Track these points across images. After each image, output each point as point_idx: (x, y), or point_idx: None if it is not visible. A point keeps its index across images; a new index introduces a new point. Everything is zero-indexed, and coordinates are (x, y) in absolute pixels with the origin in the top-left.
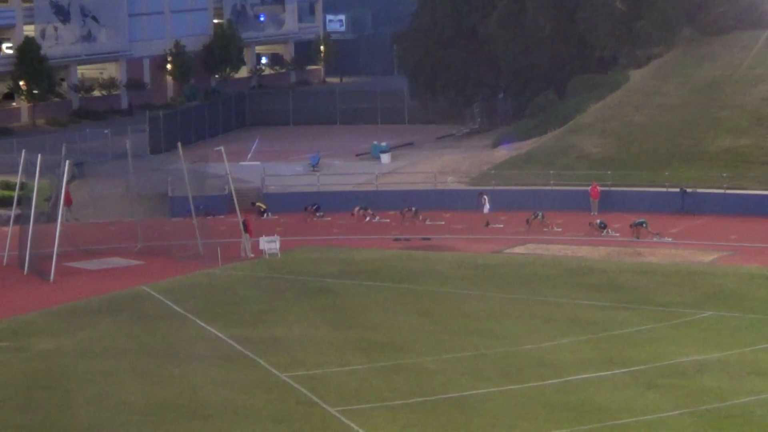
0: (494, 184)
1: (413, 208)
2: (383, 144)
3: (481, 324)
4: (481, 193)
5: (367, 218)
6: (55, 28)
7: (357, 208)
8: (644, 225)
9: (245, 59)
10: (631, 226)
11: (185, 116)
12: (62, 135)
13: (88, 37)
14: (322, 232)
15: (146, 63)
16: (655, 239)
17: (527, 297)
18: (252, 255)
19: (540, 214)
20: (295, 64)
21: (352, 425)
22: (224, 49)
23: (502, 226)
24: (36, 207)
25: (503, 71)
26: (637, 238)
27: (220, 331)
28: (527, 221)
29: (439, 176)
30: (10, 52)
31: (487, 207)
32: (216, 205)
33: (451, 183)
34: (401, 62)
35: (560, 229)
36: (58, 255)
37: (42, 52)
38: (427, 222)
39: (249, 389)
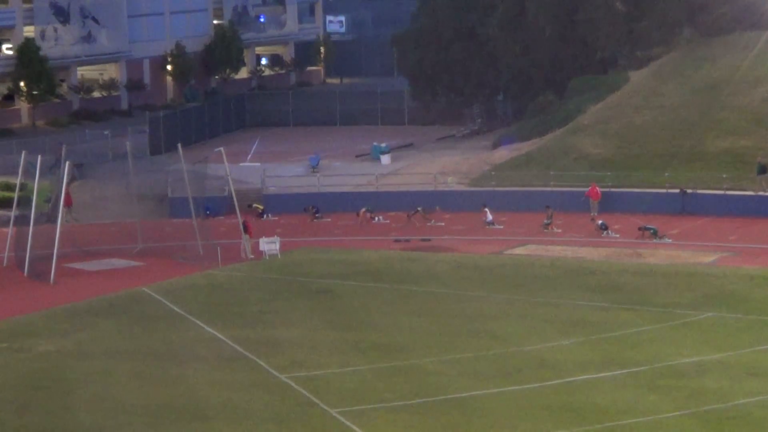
0: (494, 185)
1: (420, 209)
2: (383, 145)
3: (481, 325)
4: (484, 205)
5: (376, 219)
6: (55, 29)
7: (363, 210)
8: (652, 231)
9: (245, 60)
10: (639, 228)
11: (185, 117)
12: (62, 136)
13: (88, 38)
14: (322, 233)
15: (146, 64)
16: (655, 240)
17: (527, 298)
18: (252, 256)
19: (549, 221)
20: (295, 65)
21: (352, 426)
22: (224, 50)
23: (502, 227)
24: (36, 208)
25: (503, 72)
26: (641, 238)
27: (220, 332)
28: (547, 215)
29: (439, 177)
30: (10, 53)
31: (489, 218)
32: (216, 206)
33: (451, 184)
34: (401, 63)
35: (560, 230)
36: (58, 256)
37: (42, 53)
38: (432, 222)
39: (249, 390)
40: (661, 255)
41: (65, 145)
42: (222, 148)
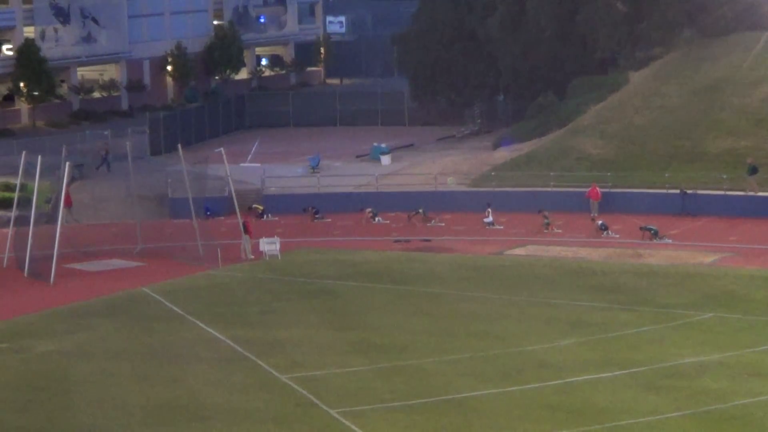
0: (494, 186)
1: (420, 210)
2: (383, 145)
3: (481, 325)
4: (488, 204)
5: (376, 219)
6: (55, 30)
7: (368, 211)
8: (652, 231)
9: (245, 61)
10: (640, 229)
11: (185, 118)
12: (62, 136)
13: (88, 39)
14: (322, 233)
15: (146, 64)
16: (655, 240)
17: (527, 298)
18: (252, 256)
19: (548, 221)
20: (296, 66)
21: (352, 427)
22: (224, 50)
23: (502, 227)
24: (36, 208)
25: (503, 72)
26: (641, 238)
27: (220, 333)
28: (544, 219)
29: (440, 177)
30: (10, 53)
31: (489, 219)
32: (216, 206)
33: (452, 184)
34: (401, 64)
35: (560, 231)
36: (58, 257)
37: (42, 53)
38: (432, 223)
39: (249, 391)
40: (661, 255)
41: (65, 145)
42: (222, 149)
